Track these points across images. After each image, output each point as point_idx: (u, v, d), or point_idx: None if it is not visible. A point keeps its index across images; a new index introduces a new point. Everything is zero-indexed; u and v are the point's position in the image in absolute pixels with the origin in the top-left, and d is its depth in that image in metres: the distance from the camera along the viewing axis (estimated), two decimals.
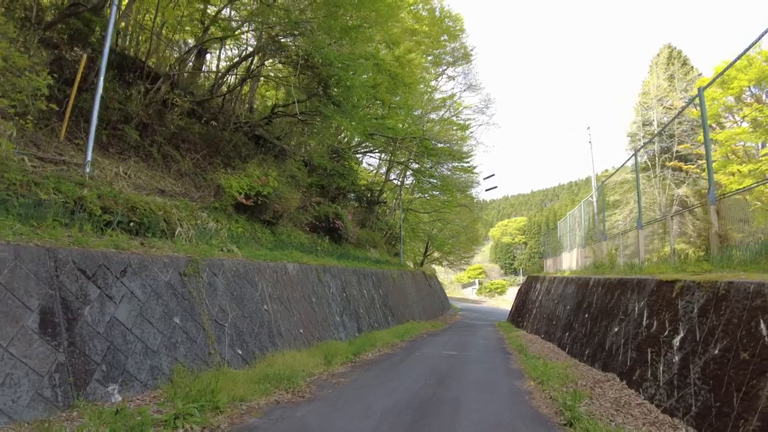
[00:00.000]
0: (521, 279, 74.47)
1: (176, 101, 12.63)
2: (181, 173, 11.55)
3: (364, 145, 22.37)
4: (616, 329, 6.79)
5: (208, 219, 9.06)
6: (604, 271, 10.76)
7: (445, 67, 28.53)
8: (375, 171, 31.50)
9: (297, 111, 13.35)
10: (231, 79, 15.33)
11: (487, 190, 28.58)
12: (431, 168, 25.00)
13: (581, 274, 12.46)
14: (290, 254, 10.40)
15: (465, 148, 24.40)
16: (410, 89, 15.51)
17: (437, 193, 33.26)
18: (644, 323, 5.83)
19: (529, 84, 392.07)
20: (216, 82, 14.07)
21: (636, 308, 6.26)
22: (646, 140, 21.57)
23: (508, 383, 7.06)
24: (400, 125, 15.92)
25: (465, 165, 24.07)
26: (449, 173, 24.98)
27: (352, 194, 26.36)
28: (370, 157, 24.54)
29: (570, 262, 16.80)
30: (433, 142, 21.03)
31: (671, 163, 19.38)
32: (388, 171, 30.35)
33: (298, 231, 13.53)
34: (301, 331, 8.77)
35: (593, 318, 8.35)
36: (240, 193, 9.38)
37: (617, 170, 19.25)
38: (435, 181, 25.12)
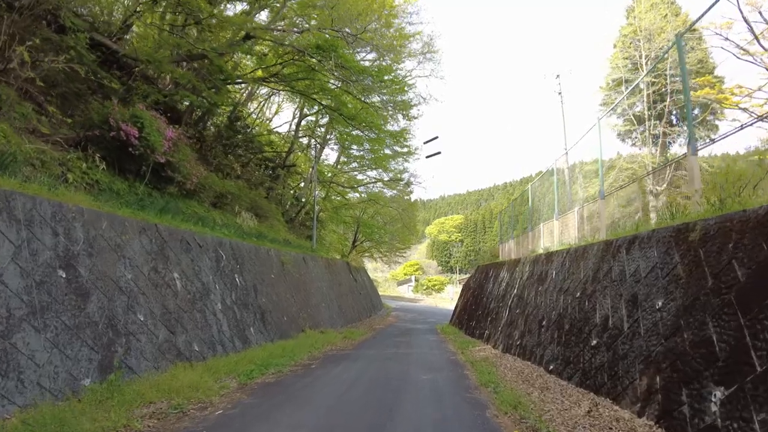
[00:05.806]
0: (458, 277, 69.44)
1: None
2: None
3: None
4: None
5: None
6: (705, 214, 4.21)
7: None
8: (286, 134, 23.63)
9: None
10: None
11: (428, 157, 21.92)
12: (357, 118, 17.60)
13: (614, 236, 5.91)
14: None
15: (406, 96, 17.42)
16: None
17: (367, 160, 26.33)
18: None
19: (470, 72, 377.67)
20: None
21: None
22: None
23: None
24: None
25: (400, 98, 17.08)
26: (381, 120, 17.86)
27: (258, 155, 18.33)
28: (264, 85, 16.62)
29: (561, 232, 10.46)
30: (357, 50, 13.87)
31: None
32: (299, 125, 22.63)
33: (19, 137, 5.53)
34: None
35: None
36: None
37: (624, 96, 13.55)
38: (357, 131, 17.86)
